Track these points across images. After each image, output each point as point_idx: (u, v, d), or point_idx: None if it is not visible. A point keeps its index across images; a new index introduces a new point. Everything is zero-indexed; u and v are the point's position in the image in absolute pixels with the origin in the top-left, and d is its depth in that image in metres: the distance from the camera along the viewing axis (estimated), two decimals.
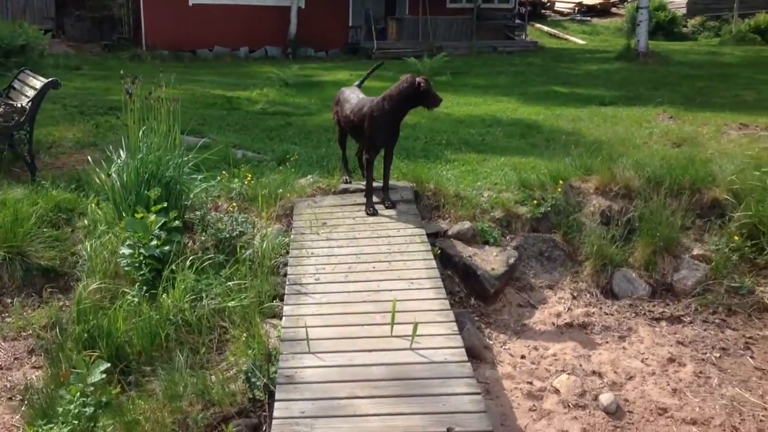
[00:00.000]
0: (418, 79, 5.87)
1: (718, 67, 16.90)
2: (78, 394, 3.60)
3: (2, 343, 5.16)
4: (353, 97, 6.54)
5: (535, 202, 6.59)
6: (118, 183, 6.09)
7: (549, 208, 6.52)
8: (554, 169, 7.07)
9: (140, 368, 4.60)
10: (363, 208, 6.32)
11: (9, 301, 5.61)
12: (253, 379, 4.33)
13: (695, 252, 6.22)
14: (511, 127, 10.30)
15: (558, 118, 10.89)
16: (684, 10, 26.67)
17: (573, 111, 11.34)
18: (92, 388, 3.71)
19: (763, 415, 4.61)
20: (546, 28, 26.67)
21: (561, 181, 6.79)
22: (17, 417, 4.40)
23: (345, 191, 6.79)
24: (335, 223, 6.14)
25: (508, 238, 6.34)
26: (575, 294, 5.89)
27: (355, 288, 5.09)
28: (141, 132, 6.21)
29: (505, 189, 6.89)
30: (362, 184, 6.62)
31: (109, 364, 3.84)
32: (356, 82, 7.04)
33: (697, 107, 11.03)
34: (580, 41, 24.38)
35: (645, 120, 10.15)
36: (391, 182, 6.76)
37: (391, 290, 5.01)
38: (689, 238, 6.38)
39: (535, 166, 7.49)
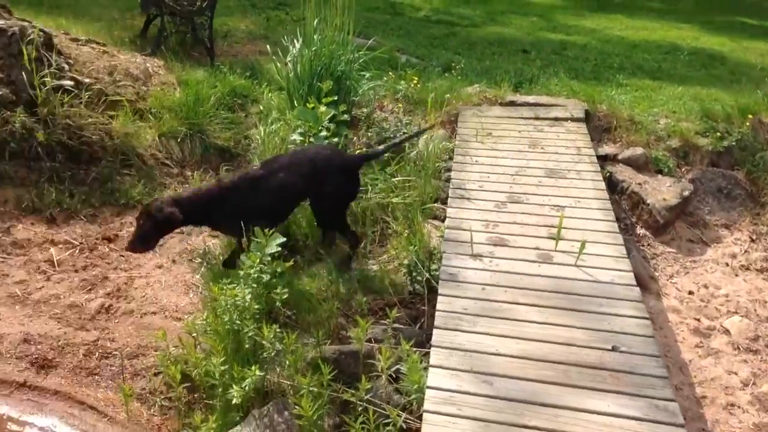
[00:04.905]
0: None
1: None
2: (257, 261, 3.81)
3: None
4: None
5: (718, 134, 6.12)
6: (292, 73, 6.25)
7: (733, 143, 6.05)
8: (742, 102, 6.50)
9: (307, 250, 4.80)
10: (531, 122, 6.14)
11: (189, 173, 5.98)
12: (414, 273, 4.41)
13: None
14: (692, 56, 9.55)
15: (745, 51, 9.97)
16: None
17: (763, 45, 10.32)
18: (269, 258, 3.91)
19: None
20: None
21: (750, 116, 6.24)
22: (196, 276, 4.76)
23: (512, 103, 6.61)
24: (501, 134, 6.02)
25: (683, 169, 5.97)
26: (754, 237, 5.49)
27: (519, 199, 5.01)
28: (315, 24, 6.29)
29: (685, 118, 6.44)
30: (530, 99, 6.45)
31: (285, 239, 4.03)
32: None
33: None
34: None
35: None
36: (561, 99, 6.53)
37: (556, 206, 4.89)
38: None
39: (718, 98, 6.92)
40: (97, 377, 3.95)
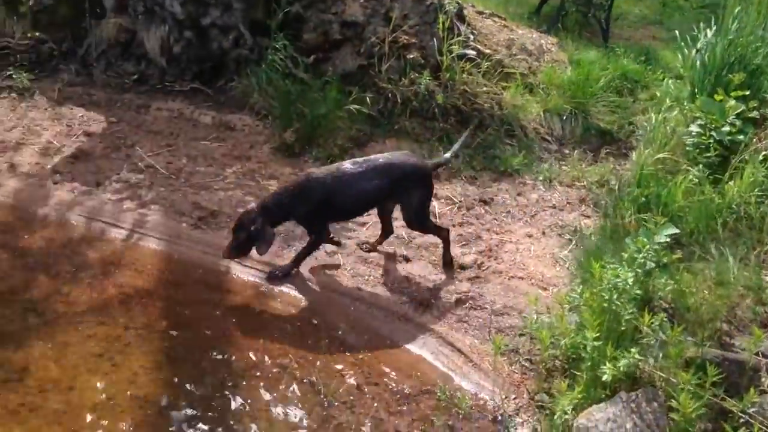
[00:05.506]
0: None
1: None
2: (646, 247, 3.66)
3: (558, 187, 5.60)
4: None
5: None
6: (699, 61, 5.84)
7: None
8: None
9: (690, 245, 4.49)
10: None
11: (567, 151, 6.02)
12: None
13: None
14: None
15: None
16: None
17: None
18: (657, 247, 3.73)
19: None
20: None
21: None
22: (565, 252, 4.79)
23: None
24: None
25: None
26: None
27: None
28: (736, 12, 5.76)
29: None
30: None
31: (677, 230, 3.81)
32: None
33: None
34: None
35: None
36: None
37: None
38: None
39: None
40: (465, 325, 4.20)
